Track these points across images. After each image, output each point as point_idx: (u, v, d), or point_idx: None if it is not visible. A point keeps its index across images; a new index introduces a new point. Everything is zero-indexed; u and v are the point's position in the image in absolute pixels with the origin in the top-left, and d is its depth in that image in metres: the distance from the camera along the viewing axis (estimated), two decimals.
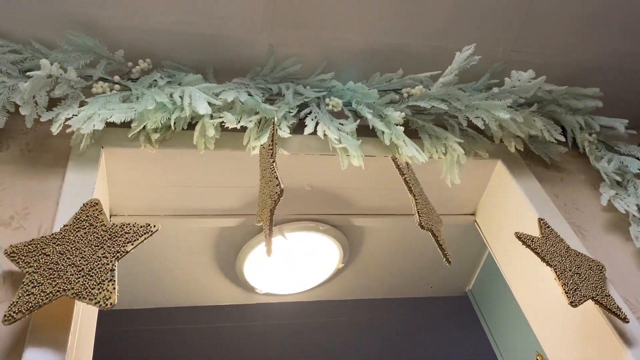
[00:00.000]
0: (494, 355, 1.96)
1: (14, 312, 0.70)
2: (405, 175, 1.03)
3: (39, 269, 0.75)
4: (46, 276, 0.74)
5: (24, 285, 0.73)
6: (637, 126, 1.33)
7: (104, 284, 0.74)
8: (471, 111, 1.13)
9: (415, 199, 0.99)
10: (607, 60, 1.35)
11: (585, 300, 0.91)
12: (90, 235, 0.79)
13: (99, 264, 0.76)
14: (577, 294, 0.90)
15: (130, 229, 0.81)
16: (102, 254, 0.77)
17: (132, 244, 0.79)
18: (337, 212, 1.37)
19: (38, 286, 0.73)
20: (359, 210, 1.36)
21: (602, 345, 0.96)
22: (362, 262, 1.77)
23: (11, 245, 0.76)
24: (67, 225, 0.80)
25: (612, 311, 0.92)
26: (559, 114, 1.28)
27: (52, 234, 0.79)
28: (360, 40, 1.18)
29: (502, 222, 1.27)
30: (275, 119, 1.04)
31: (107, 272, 0.75)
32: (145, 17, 1.06)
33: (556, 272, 0.92)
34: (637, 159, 1.24)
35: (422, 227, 0.95)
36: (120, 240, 0.79)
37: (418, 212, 0.97)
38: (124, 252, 0.78)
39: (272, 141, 0.98)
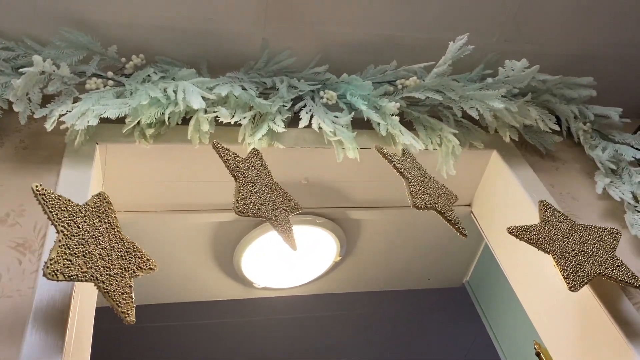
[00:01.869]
0: (493, 345, 1.97)
1: (56, 270, 0.67)
2: (394, 162, 1.01)
3: (72, 237, 0.71)
4: (79, 251, 0.71)
5: (61, 245, 0.70)
6: (631, 115, 1.33)
7: (126, 296, 0.72)
8: (465, 102, 1.13)
9: (409, 182, 0.99)
10: (600, 50, 1.35)
11: (590, 280, 0.90)
12: (112, 236, 0.76)
13: (120, 273, 0.74)
14: (577, 276, 0.89)
15: (141, 255, 0.78)
16: (122, 264, 0.75)
17: (142, 272, 0.77)
18: (334, 205, 1.37)
19: (74, 256, 0.70)
20: (355, 203, 1.36)
21: (600, 333, 0.97)
22: (359, 255, 1.78)
23: (41, 185, 0.72)
24: (89, 205, 0.77)
25: (625, 281, 0.90)
26: (554, 103, 1.28)
27: (78, 205, 0.75)
28: (353, 33, 1.18)
29: (499, 213, 1.27)
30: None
31: (128, 287, 0.73)
32: (138, 13, 1.06)
33: (555, 258, 0.91)
34: (632, 147, 1.24)
35: (418, 208, 0.95)
36: (133, 260, 0.77)
37: (411, 193, 0.96)
38: (136, 275, 0.76)
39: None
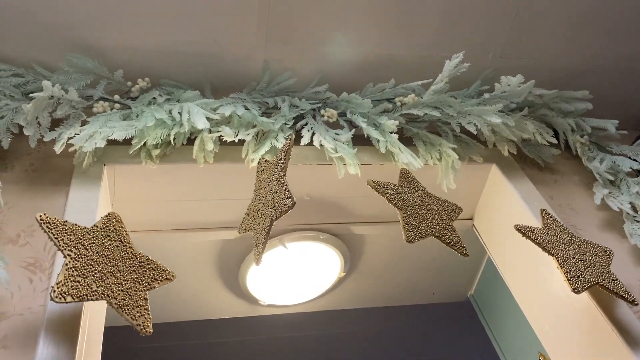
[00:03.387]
0: (499, 358, 1.97)
1: (64, 292, 0.68)
2: (387, 194, 1.00)
3: (79, 259, 0.72)
4: (88, 271, 0.72)
5: (68, 269, 0.71)
6: (628, 126, 1.35)
7: (141, 309, 0.74)
8: (463, 117, 1.15)
9: (403, 213, 0.98)
10: (595, 63, 1.37)
11: (590, 287, 0.90)
12: (122, 252, 0.78)
13: (134, 287, 0.75)
14: (580, 280, 0.90)
15: (156, 267, 0.80)
16: (135, 278, 0.76)
17: (158, 283, 0.78)
18: (337, 221, 1.38)
19: (82, 277, 0.71)
20: (358, 218, 1.37)
21: (604, 345, 0.97)
22: (364, 271, 1.78)
23: (45, 214, 0.73)
24: (97, 227, 0.78)
25: (619, 295, 0.92)
26: (550, 117, 1.30)
27: (85, 228, 0.76)
28: (352, 53, 1.21)
29: (500, 226, 1.28)
30: (293, 136, 1.01)
31: (143, 300, 0.75)
32: (143, 38, 1.09)
33: (558, 260, 0.92)
34: (629, 158, 1.26)
35: (410, 241, 0.95)
36: (147, 273, 0.78)
37: (404, 227, 0.96)
38: (151, 287, 0.77)
39: (285, 156, 0.97)
